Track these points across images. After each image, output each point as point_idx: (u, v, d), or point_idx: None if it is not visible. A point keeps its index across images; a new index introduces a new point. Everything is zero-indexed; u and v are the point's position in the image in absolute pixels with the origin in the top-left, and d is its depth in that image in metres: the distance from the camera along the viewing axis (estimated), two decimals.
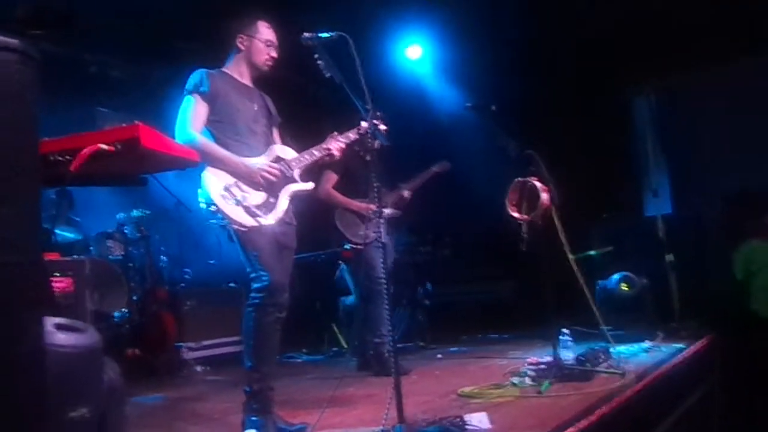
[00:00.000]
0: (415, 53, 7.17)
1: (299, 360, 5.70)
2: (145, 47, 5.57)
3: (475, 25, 6.30)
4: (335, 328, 5.91)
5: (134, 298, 5.15)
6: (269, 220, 2.90)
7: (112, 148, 1.74)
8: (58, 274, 4.10)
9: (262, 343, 2.90)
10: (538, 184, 3.70)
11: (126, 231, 5.45)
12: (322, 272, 6.07)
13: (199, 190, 2.86)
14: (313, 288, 6.18)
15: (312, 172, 3.25)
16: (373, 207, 4.20)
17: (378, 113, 2.98)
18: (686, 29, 6.01)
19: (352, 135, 3.35)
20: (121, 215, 5.57)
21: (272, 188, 2.97)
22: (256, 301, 2.87)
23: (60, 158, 1.72)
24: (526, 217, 3.73)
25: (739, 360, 4.67)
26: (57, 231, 4.95)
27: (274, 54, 3.15)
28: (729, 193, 6.11)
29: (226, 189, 2.83)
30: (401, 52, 7.16)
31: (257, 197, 2.91)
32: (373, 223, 4.22)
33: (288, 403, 3.46)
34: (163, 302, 5.21)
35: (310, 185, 3.14)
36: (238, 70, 3.15)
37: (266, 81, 3.28)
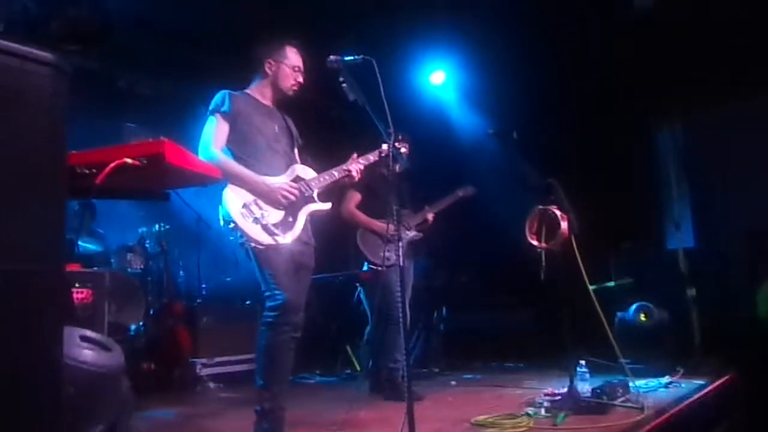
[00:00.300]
0: (438, 79, 7.22)
1: (312, 381, 5.67)
2: (173, 65, 5.68)
3: (499, 52, 6.34)
4: (349, 350, 5.88)
5: (151, 311, 5.19)
6: (287, 239, 2.92)
7: (138, 163, 1.77)
8: (78, 285, 4.16)
9: (274, 362, 2.90)
10: (558, 212, 3.68)
11: (147, 245, 5.51)
12: (339, 293, 6.06)
13: (220, 207, 2.90)
14: (329, 309, 6.18)
15: (332, 192, 3.27)
16: (398, 229, 4.24)
17: (401, 136, 3.01)
18: (714, 61, 5.99)
19: (372, 157, 3.38)
20: (143, 229, 5.65)
21: (291, 207, 2.99)
22: (270, 319, 2.88)
23: (86, 171, 1.76)
24: (545, 245, 3.71)
25: (762, 399, 4.56)
26: (80, 242, 5.02)
27: (300, 79, 3.21)
28: (753, 230, 6.01)
29: (245, 206, 2.86)
30: (425, 77, 7.21)
31: (276, 216, 2.94)
32: (394, 245, 4.23)
33: (300, 424, 3.44)
34: (180, 317, 5.24)
35: (328, 205, 3.17)
36: (261, 92, 3.21)
37: (290, 102, 3.33)
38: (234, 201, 2.86)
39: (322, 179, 3.17)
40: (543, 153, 4.49)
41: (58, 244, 1.29)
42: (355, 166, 3.29)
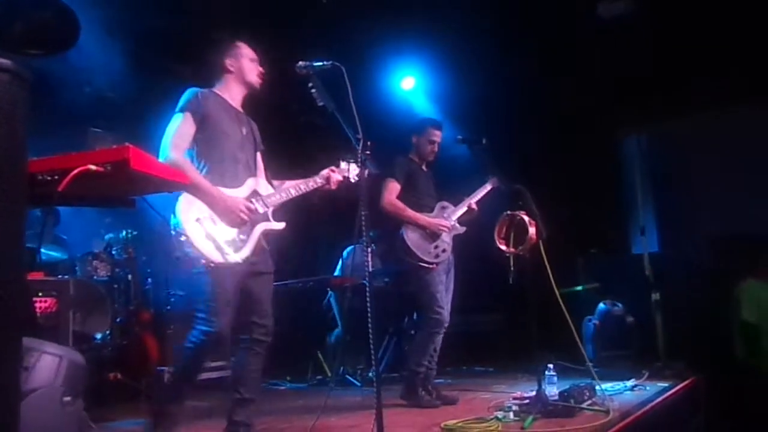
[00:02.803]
0: (408, 84, 7.26)
1: (283, 387, 5.64)
2: (139, 69, 5.60)
3: (469, 59, 6.41)
4: (320, 356, 5.86)
5: (118, 320, 5.09)
6: (236, 257, 2.80)
7: (102, 169, 1.74)
8: (41, 294, 4.07)
9: (184, 383, 2.96)
10: (526, 218, 3.73)
11: (113, 252, 5.41)
12: (310, 299, 6.04)
13: (172, 216, 2.77)
14: (299, 315, 6.15)
15: (287, 210, 3.17)
16: (445, 223, 4.20)
17: (368, 142, 3.01)
18: (679, 73, 6.15)
19: (319, 180, 3.23)
20: (109, 235, 5.54)
21: (245, 225, 2.89)
22: (196, 341, 2.80)
23: (48, 178, 1.72)
24: (513, 250, 3.75)
25: (724, 402, 4.66)
26: (43, 250, 4.91)
27: (261, 69, 3.15)
28: (716, 235, 6.18)
29: (199, 220, 2.74)
30: (396, 83, 7.25)
31: (228, 233, 2.82)
32: (437, 241, 4.20)
33: (270, 431, 3.42)
34: (147, 325, 5.15)
35: (281, 225, 3.06)
36: (229, 93, 3.12)
37: (259, 108, 3.30)
38: (188, 212, 2.74)
39: (278, 197, 3.06)
40: (511, 159, 4.55)
41: (16, 254, 1.26)
42: (335, 176, 3.22)
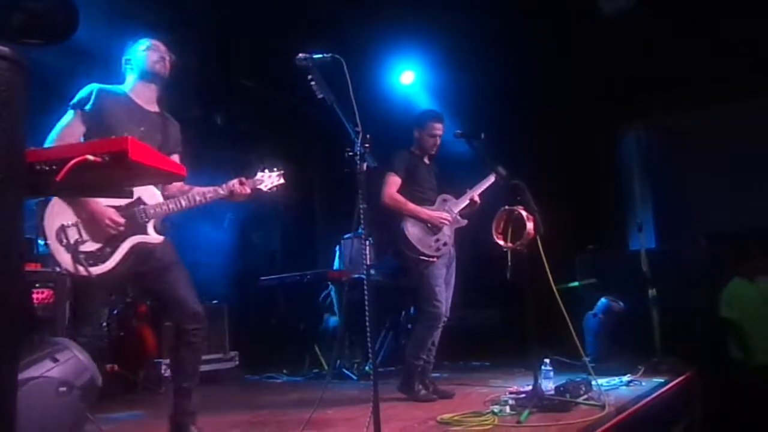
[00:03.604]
0: (408, 79, 7.26)
1: (280, 380, 5.65)
2: None
3: (467, 54, 6.40)
4: (317, 349, 5.87)
5: (115, 311, 5.09)
6: (96, 271, 2.67)
7: (100, 160, 1.73)
8: (38, 285, 4.06)
9: None
10: (524, 213, 3.73)
11: None
12: (307, 293, 6.05)
13: (38, 220, 2.66)
14: (296, 308, 6.16)
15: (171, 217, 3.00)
16: (446, 216, 4.18)
17: (367, 135, 2.98)
18: (677, 70, 6.15)
19: (222, 191, 3.03)
20: None
21: (113, 238, 2.74)
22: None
23: (46, 168, 1.71)
24: (511, 245, 3.76)
25: (718, 397, 4.69)
26: (40, 242, 4.90)
27: (161, 52, 3.01)
28: (713, 232, 6.19)
29: (63, 228, 2.63)
30: (395, 77, 7.24)
31: (92, 245, 2.69)
32: (438, 234, 4.18)
33: (266, 423, 3.43)
34: (144, 317, 5.16)
35: (158, 239, 2.88)
36: (135, 91, 3.01)
37: (254, 101, 3.28)
38: (53, 219, 2.63)
39: (164, 208, 2.87)
40: (509, 154, 4.55)
41: (14, 244, 1.26)
42: (242, 188, 3.01)
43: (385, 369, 5.55)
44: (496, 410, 3.39)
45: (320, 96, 2.89)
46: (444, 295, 4.14)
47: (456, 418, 3.28)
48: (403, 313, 5.99)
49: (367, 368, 5.44)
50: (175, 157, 3.05)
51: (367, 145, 2.79)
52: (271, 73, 5.61)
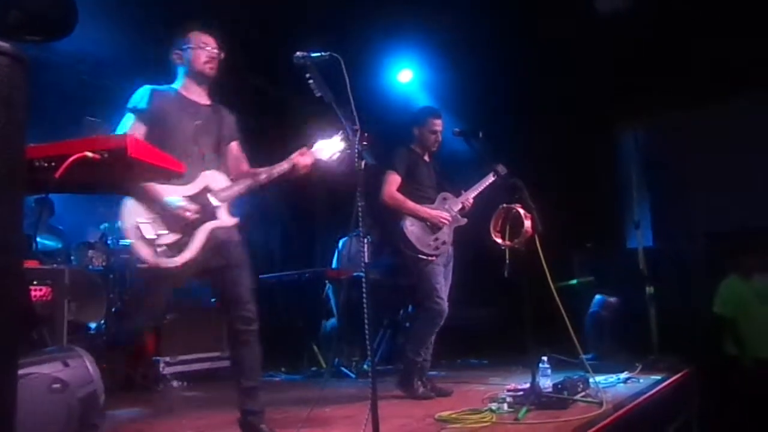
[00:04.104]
0: (405, 77, 7.26)
1: (277, 379, 5.65)
2: (138, 58, 5.58)
3: (466, 52, 6.40)
4: (315, 348, 5.87)
5: (113, 309, 5.09)
6: (176, 261, 2.76)
7: (98, 156, 1.74)
8: (36, 282, 4.06)
9: None
10: (522, 211, 3.74)
11: (109, 241, 5.40)
12: (305, 290, 6.05)
13: (118, 221, 2.79)
14: (294, 307, 6.16)
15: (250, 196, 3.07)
16: (445, 215, 4.18)
17: (365, 134, 2.98)
18: (676, 68, 6.16)
19: (285, 165, 3.08)
20: (104, 225, 5.53)
21: (187, 226, 2.81)
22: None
23: (45, 164, 1.71)
24: (509, 243, 3.76)
25: (716, 394, 4.70)
26: (38, 239, 4.90)
27: (213, 54, 3.04)
28: (710, 230, 6.21)
29: (140, 224, 2.71)
30: (393, 75, 7.24)
31: (170, 236, 2.77)
32: (436, 233, 4.18)
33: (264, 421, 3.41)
34: None
35: (232, 221, 2.95)
36: (186, 87, 3.07)
37: (256, 99, 3.28)
38: (130, 216, 2.72)
39: (233, 190, 2.95)
40: (507, 153, 4.55)
41: (14, 240, 1.26)
42: (304, 160, 3.06)
43: (384, 367, 5.55)
44: (494, 408, 3.40)
45: (318, 94, 2.88)
46: (445, 292, 4.15)
47: (454, 415, 3.29)
48: (401, 311, 6.00)
49: (365, 366, 5.45)
50: (234, 145, 3.16)
51: (365, 143, 2.79)
52: (270, 70, 5.61)
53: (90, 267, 5.15)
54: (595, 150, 6.99)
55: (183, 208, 2.79)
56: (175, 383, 5.01)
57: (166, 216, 2.77)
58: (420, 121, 4.37)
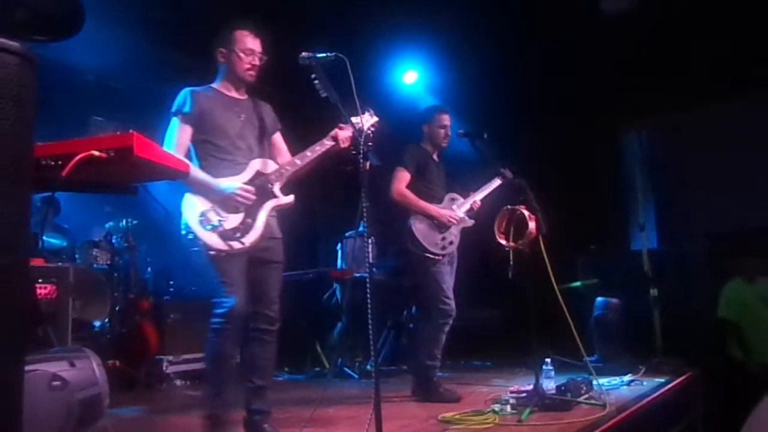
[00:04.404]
0: (410, 78, 7.26)
1: (281, 378, 5.65)
2: (143, 59, 5.60)
3: (470, 54, 6.40)
4: (318, 348, 5.88)
5: (117, 308, 5.11)
6: (246, 242, 2.86)
7: (105, 155, 1.74)
8: (41, 280, 4.08)
9: (221, 368, 2.90)
10: (526, 212, 3.74)
11: (113, 240, 5.43)
12: (309, 291, 6.05)
13: (181, 218, 2.86)
14: (297, 307, 6.16)
15: (294, 186, 3.16)
16: (454, 215, 4.16)
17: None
18: (679, 69, 6.14)
19: (326, 142, 3.15)
20: (109, 224, 5.56)
21: (249, 209, 2.92)
22: (216, 326, 2.86)
23: (51, 163, 1.72)
24: (513, 244, 3.76)
25: (721, 397, 4.69)
26: (44, 237, 4.92)
27: (255, 62, 3.08)
28: (714, 231, 6.19)
29: (203, 215, 2.82)
30: (398, 76, 7.25)
31: (234, 220, 2.87)
32: (446, 232, 4.16)
33: None
34: (146, 314, 5.17)
35: (290, 198, 3.06)
36: (224, 85, 3.13)
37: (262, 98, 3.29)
38: (192, 210, 2.82)
39: (283, 170, 3.06)
40: (512, 154, 4.55)
41: (23, 238, 1.27)
42: (344, 133, 3.11)
43: (387, 368, 5.56)
44: (497, 409, 3.40)
45: (324, 95, 2.90)
46: (451, 292, 4.12)
47: (457, 416, 3.29)
48: (405, 312, 6.00)
49: (368, 367, 5.45)
50: (278, 136, 3.26)
51: (370, 143, 2.80)
52: (274, 70, 5.61)
53: (95, 265, 5.17)
54: (598, 151, 6.98)
55: (243, 190, 2.89)
56: (178, 382, 5.03)
57: (226, 202, 2.86)
58: (428, 118, 4.36)
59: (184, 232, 2.84)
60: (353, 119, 3.13)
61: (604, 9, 5.78)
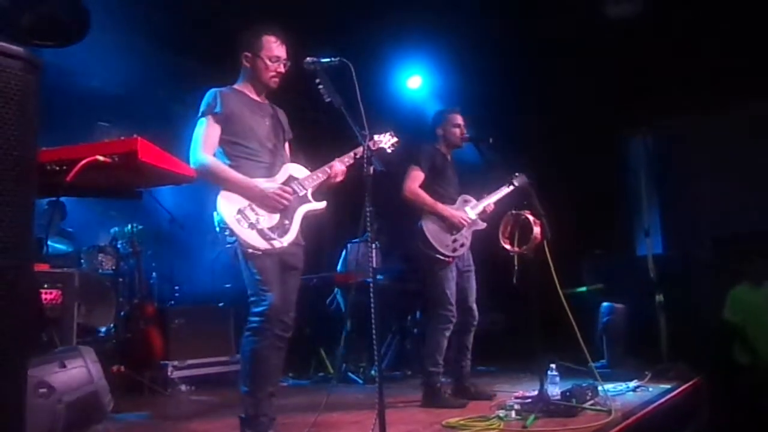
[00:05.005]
0: (415, 83, 7.27)
1: (285, 384, 5.64)
2: (149, 64, 5.62)
3: (474, 59, 6.40)
4: (323, 353, 5.87)
5: (122, 313, 5.11)
6: (283, 242, 2.90)
7: (109, 160, 1.76)
8: (46, 286, 4.09)
9: (258, 368, 2.87)
10: (531, 217, 3.73)
11: (119, 245, 5.43)
12: (313, 296, 6.05)
13: (215, 213, 2.86)
14: (302, 312, 6.15)
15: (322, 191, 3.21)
16: (466, 216, 4.11)
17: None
18: (684, 73, 6.14)
19: (347, 159, 3.22)
20: (115, 229, 5.57)
21: (286, 210, 2.95)
22: (255, 325, 2.85)
23: (57, 168, 1.74)
24: (518, 249, 3.75)
25: (726, 403, 4.65)
26: (49, 242, 4.94)
27: (281, 69, 3.10)
28: (719, 236, 6.16)
29: (240, 212, 2.83)
30: (402, 81, 7.26)
31: (271, 219, 2.90)
32: (456, 234, 4.12)
33: None
34: (151, 319, 5.17)
35: (322, 204, 3.11)
36: (248, 87, 3.14)
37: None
38: (228, 207, 2.82)
39: (315, 177, 3.10)
40: (517, 159, 4.54)
41: (25, 241, 1.27)
42: (338, 165, 3.17)
43: (391, 373, 5.54)
44: (501, 415, 3.38)
45: (328, 100, 2.91)
46: (455, 299, 4.07)
47: (462, 422, 3.28)
48: (410, 317, 5.99)
49: (372, 372, 5.43)
50: (287, 144, 3.29)
51: (374, 148, 2.81)
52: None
53: (100, 271, 5.18)
54: (604, 156, 6.97)
55: (282, 190, 2.92)
56: (183, 387, 5.02)
57: (264, 202, 2.89)
58: (441, 120, 4.35)
59: (218, 228, 2.85)
60: (376, 137, 3.23)
61: (608, 13, 5.78)
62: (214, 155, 2.95)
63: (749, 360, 4.98)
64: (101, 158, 1.73)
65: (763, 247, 5.00)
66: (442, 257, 4.05)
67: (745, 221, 6.10)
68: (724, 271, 5.47)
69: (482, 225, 4.23)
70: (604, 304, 5.50)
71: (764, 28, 5.48)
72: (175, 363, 5.05)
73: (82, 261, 5.22)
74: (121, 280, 5.25)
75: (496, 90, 6.57)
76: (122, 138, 1.85)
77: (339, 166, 3.17)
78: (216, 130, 2.95)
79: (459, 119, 4.33)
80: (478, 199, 4.26)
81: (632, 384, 4.41)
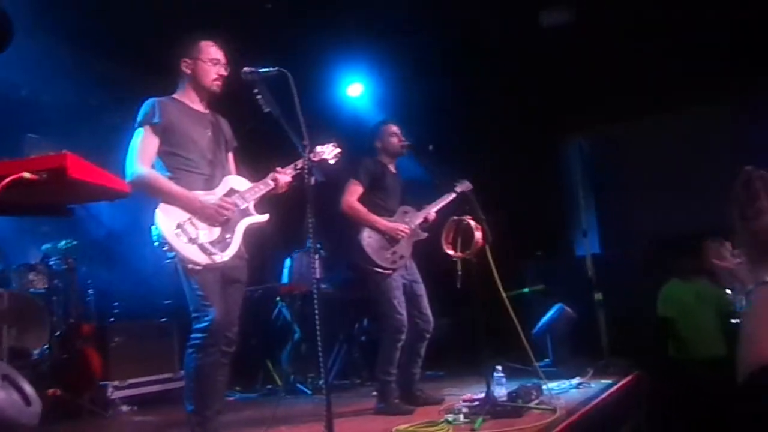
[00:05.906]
0: (356, 91, 7.28)
1: (232, 398, 5.53)
2: (80, 73, 5.44)
3: (413, 66, 6.48)
4: (270, 365, 5.79)
5: (57, 333, 4.90)
6: (224, 257, 2.83)
7: (36, 177, 1.68)
8: None
9: (203, 385, 2.81)
10: (472, 222, 3.79)
11: (51, 263, 5.21)
12: (258, 308, 5.96)
13: (153, 227, 2.77)
14: (247, 324, 6.05)
15: (266, 203, 3.16)
16: (404, 228, 4.10)
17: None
18: (618, 82, 6.38)
19: (289, 170, 3.17)
20: (46, 246, 5.33)
21: (227, 223, 2.89)
22: (198, 341, 2.79)
23: None
24: (460, 254, 3.80)
25: (663, 396, 4.83)
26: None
27: (222, 72, 3.05)
28: (654, 236, 6.42)
29: (179, 226, 2.75)
30: (342, 89, 7.26)
31: (212, 233, 2.83)
32: (394, 246, 4.11)
33: None
34: (89, 338, 4.98)
35: (265, 217, 3.05)
36: (189, 96, 3.07)
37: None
38: (167, 221, 2.74)
39: (257, 189, 3.05)
40: (456, 164, 4.61)
41: None
42: (282, 177, 3.12)
43: (339, 382, 5.52)
44: (450, 419, 3.41)
45: (267, 110, 2.88)
46: (404, 306, 4.05)
47: (411, 428, 3.28)
48: (357, 325, 5.97)
49: (321, 382, 5.39)
50: (230, 155, 3.22)
51: (316, 160, 2.80)
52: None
53: (31, 290, 4.95)
54: (542, 161, 7.17)
55: (223, 203, 2.86)
56: (124, 408, 4.85)
57: (204, 215, 2.82)
58: (377, 132, 4.36)
59: (157, 243, 2.75)
60: (318, 148, 3.20)
61: (543, 22, 5.95)
62: (153, 167, 2.87)
63: (681, 353, 5.18)
64: (27, 175, 1.65)
65: (692, 244, 5.21)
66: (380, 270, 4.05)
67: (676, 221, 6.39)
68: (659, 268, 5.68)
69: (423, 235, 4.25)
70: (557, 305, 5.61)
71: (696, 35, 5.74)
72: (116, 383, 4.87)
73: (12, 281, 4.98)
74: (54, 298, 5.02)
75: (436, 97, 6.66)
76: (51, 153, 1.77)
77: (284, 178, 3.12)
78: (154, 141, 2.88)
79: (394, 128, 4.35)
80: (419, 210, 4.28)
81: (575, 381, 4.53)
